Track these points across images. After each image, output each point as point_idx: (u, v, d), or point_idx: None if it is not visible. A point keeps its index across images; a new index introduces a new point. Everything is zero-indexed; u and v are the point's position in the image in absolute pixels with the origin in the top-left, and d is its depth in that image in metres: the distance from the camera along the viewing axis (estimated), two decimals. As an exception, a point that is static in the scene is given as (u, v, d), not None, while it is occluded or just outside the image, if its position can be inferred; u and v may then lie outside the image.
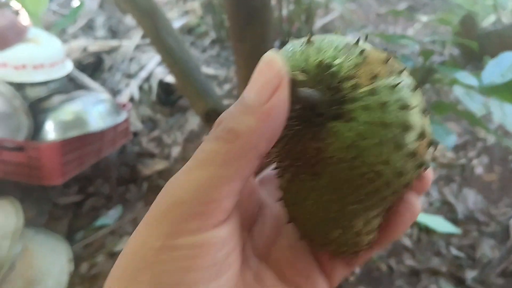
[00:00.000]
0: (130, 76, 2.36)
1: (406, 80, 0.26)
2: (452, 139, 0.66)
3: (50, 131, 1.42)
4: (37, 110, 1.44)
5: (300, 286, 0.31)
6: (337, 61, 0.26)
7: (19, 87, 1.41)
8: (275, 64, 0.24)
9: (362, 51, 0.26)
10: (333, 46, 0.27)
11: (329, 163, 0.26)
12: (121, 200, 1.72)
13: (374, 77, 0.26)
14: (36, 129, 1.43)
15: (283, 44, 0.30)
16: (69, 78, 1.63)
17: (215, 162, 0.24)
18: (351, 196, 0.26)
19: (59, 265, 1.35)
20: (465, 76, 0.68)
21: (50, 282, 1.30)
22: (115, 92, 2.20)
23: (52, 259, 1.35)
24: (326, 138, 0.26)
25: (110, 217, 1.63)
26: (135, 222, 1.61)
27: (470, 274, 1.35)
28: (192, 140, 2.15)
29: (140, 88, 2.31)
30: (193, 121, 2.26)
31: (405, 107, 0.25)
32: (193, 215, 0.24)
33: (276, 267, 0.31)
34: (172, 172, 1.69)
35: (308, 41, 0.28)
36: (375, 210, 0.28)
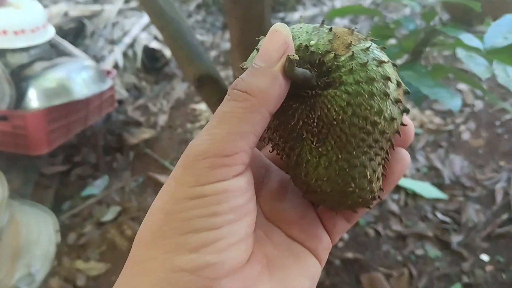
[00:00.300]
0: (113, 42, 2.29)
1: (373, 43, 0.31)
2: (457, 102, 0.65)
3: (34, 99, 1.38)
4: (19, 78, 1.40)
5: (305, 242, 0.34)
6: (312, 42, 0.31)
7: (0, 53, 1.36)
8: (282, 32, 0.29)
9: (330, 29, 0.31)
10: (304, 31, 0.32)
11: (331, 127, 0.29)
12: (107, 169, 1.70)
13: (349, 46, 0.30)
14: (19, 97, 1.38)
15: None
16: (51, 44, 1.58)
17: (232, 120, 0.27)
18: (357, 150, 0.30)
19: (46, 235, 1.34)
20: (470, 38, 0.67)
21: (38, 252, 1.29)
22: (98, 59, 2.14)
23: (39, 229, 1.34)
24: (323, 105, 0.29)
25: (97, 186, 1.61)
26: (122, 192, 1.60)
27: (455, 238, 1.38)
28: (179, 108, 2.12)
29: (124, 54, 2.25)
30: (180, 89, 2.22)
31: (381, 62, 0.30)
32: (216, 166, 0.27)
33: (283, 225, 0.34)
34: (159, 141, 1.67)
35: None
36: (377, 158, 0.32)
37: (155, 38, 2.36)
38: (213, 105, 1.02)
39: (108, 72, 1.72)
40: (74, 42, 1.98)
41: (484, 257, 1.32)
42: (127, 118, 1.98)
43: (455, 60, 2.17)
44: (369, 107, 0.29)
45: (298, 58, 0.28)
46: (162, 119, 2.01)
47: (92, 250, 1.39)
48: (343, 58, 0.29)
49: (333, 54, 0.30)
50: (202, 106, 2.08)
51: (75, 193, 1.59)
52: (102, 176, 1.65)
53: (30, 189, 1.50)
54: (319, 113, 0.29)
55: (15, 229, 1.25)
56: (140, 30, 2.36)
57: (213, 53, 2.44)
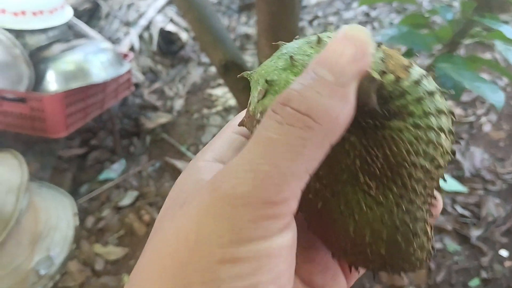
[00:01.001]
0: (128, 24, 2.27)
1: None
2: (501, 97, 0.62)
3: (52, 82, 1.37)
4: (37, 60, 1.38)
5: (323, 286, 0.28)
6: None
7: (18, 34, 1.34)
8: (361, 39, 0.21)
9: (378, 44, 0.24)
10: None
11: (398, 169, 0.23)
12: (124, 154, 1.70)
13: (407, 68, 0.23)
14: (37, 80, 1.37)
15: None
16: (68, 26, 1.56)
17: (287, 154, 0.20)
18: (419, 199, 0.24)
19: (65, 219, 1.34)
20: (509, 30, 0.65)
21: (57, 236, 1.29)
22: (113, 41, 2.12)
23: (58, 213, 1.34)
24: (391, 141, 0.22)
25: (114, 170, 1.61)
26: (139, 176, 1.59)
27: (475, 232, 1.36)
28: (195, 93, 2.10)
29: (140, 37, 2.23)
30: (196, 73, 2.20)
31: (442, 92, 0.24)
32: (259, 218, 0.19)
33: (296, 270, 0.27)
34: (176, 125, 1.66)
35: (319, 42, 0.25)
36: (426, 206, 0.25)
37: (171, 20, 2.33)
38: (238, 93, 1.00)
39: (125, 55, 1.70)
40: (88, 24, 1.96)
41: (503, 253, 1.31)
42: (144, 102, 1.97)
43: (475, 50, 2.12)
44: (439, 147, 0.23)
45: (381, 79, 0.22)
46: (179, 104, 2.00)
47: (111, 235, 1.40)
48: (407, 83, 0.23)
49: (394, 77, 0.23)
50: (218, 92, 2.06)
51: (93, 177, 1.59)
52: (119, 160, 1.65)
53: (48, 172, 1.50)
54: (386, 151, 0.23)
55: (34, 212, 1.25)
56: (155, 12, 2.33)
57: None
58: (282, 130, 0.20)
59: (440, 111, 0.23)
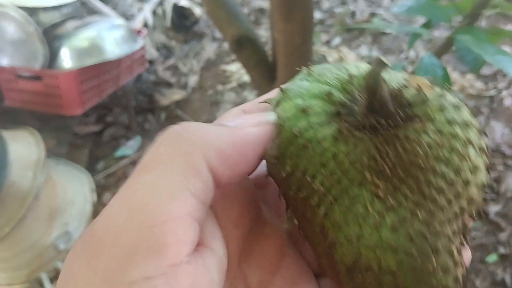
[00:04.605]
0: (142, 0, 2.25)
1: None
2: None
3: (66, 59, 1.37)
4: (51, 37, 1.38)
5: None
6: (386, 76, 0.22)
7: (31, 12, 1.34)
8: (268, 117, 0.22)
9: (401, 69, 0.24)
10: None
11: (412, 170, 0.20)
12: (140, 130, 1.71)
13: (431, 87, 0.22)
14: (52, 57, 1.38)
15: None
16: (82, 3, 1.55)
17: (157, 165, 0.19)
18: (439, 213, 0.20)
19: (82, 194, 1.36)
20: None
21: (74, 211, 1.31)
22: (127, 17, 2.10)
23: (75, 188, 1.36)
24: (406, 139, 0.20)
25: (129, 147, 1.62)
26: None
27: (493, 208, 1.34)
28: (209, 69, 2.08)
29: (154, 12, 2.21)
30: (210, 49, 2.18)
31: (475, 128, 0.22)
32: (140, 252, 0.17)
33: None
34: (190, 102, 1.66)
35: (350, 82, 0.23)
36: (457, 236, 0.22)
37: (184, -5, 2.31)
38: (251, 68, 0.98)
39: (139, 32, 1.69)
40: (102, 0, 1.94)
41: (522, 228, 1.29)
42: (158, 78, 1.97)
43: (496, 21, 2.05)
44: (466, 158, 0.20)
45: (389, 63, 0.20)
46: (193, 80, 1.99)
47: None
48: (430, 95, 0.21)
49: (416, 88, 0.22)
50: (232, 67, 2.04)
51: (109, 153, 1.60)
52: (134, 137, 1.66)
53: (65, 149, 1.52)
54: (398, 149, 0.20)
55: (52, 188, 1.27)
56: (169, -13, 2.30)
57: (243, 12, 2.38)
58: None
59: (468, 124, 0.21)
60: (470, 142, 0.21)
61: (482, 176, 0.21)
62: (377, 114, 0.21)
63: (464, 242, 0.22)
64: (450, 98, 0.22)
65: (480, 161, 0.21)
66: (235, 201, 0.24)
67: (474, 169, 0.21)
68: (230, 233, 0.23)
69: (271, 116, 0.23)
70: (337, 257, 0.21)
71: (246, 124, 0.22)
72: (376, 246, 0.20)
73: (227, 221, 0.23)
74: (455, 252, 0.21)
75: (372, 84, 0.20)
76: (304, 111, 0.22)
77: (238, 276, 0.24)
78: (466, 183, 0.21)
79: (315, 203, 0.21)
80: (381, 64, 0.20)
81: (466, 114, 0.21)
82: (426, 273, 0.20)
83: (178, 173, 0.18)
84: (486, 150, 0.22)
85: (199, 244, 0.19)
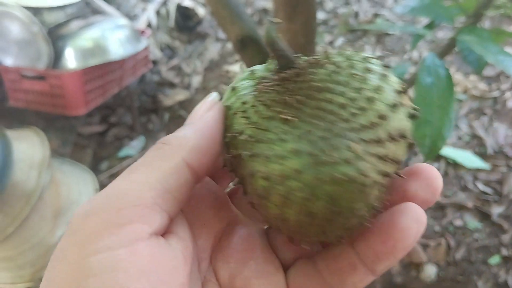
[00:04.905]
0: (145, 0, 2.25)
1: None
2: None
3: (70, 59, 1.38)
4: (55, 37, 1.39)
5: None
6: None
7: (36, 12, 1.35)
8: (210, 98, 0.27)
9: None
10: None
11: (313, 93, 0.24)
12: (143, 130, 1.71)
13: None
14: (56, 57, 1.38)
15: None
16: (86, 2, 1.56)
17: (139, 167, 0.23)
18: (341, 123, 0.22)
19: (86, 194, 1.37)
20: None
21: (79, 211, 1.31)
22: (130, 18, 2.11)
23: (79, 188, 1.36)
24: (307, 74, 0.25)
25: (133, 147, 1.62)
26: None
27: (496, 210, 1.34)
28: (212, 69, 2.09)
29: (157, 13, 2.21)
30: (213, 49, 2.18)
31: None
32: (107, 227, 0.21)
33: None
34: (194, 103, 1.66)
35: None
36: (375, 149, 0.23)
37: (188, -4, 2.31)
38: (255, 69, 0.98)
39: (142, 32, 1.70)
40: (106, 0, 1.95)
41: (525, 230, 1.28)
42: (161, 79, 1.97)
43: (500, 22, 2.05)
44: (365, 80, 0.23)
45: (280, 21, 0.25)
46: (196, 81, 1.99)
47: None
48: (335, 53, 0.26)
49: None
50: (236, 68, 2.04)
51: (112, 153, 1.61)
52: (138, 137, 1.66)
53: (69, 149, 1.52)
54: (300, 83, 0.24)
55: (56, 188, 1.27)
56: (172, -12, 2.31)
57: (247, 12, 2.38)
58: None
59: (369, 69, 0.24)
60: (369, 70, 0.24)
61: (388, 95, 0.23)
62: (286, 70, 0.25)
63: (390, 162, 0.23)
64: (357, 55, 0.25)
65: (383, 84, 0.24)
66: (201, 202, 0.27)
67: (376, 89, 0.23)
68: (198, 230, 0.26)
69: (213, 96, 0.27)
70: (257, 186, 0.23)
71: (199, 114, 0.26)
72: (283, 157, 0.22)
73: (194, 220, 0.27)
74: (358, 149, 0.22)
75: (269, 38, 0.25)
76: (233, 89, 0.27)
77: (210, 270, 0.27)
78: (369, 99, 0.23)
79: (245, 156, 0.24)
80: (272, 23, 0.25)
81: (376, 62, 0.25)
82: (327, 165, 0.22)
83: (157, 173, 0.23)
84: (403, 90, 0.25)
85: (168, 232, 0.23)
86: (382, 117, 0.23)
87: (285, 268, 0.28)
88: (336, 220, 0.22)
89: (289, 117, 0.23)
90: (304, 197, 0.22)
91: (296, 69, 0.25)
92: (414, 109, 0.25)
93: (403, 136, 0.23)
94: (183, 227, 0.25)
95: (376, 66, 0.25)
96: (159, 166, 0.23)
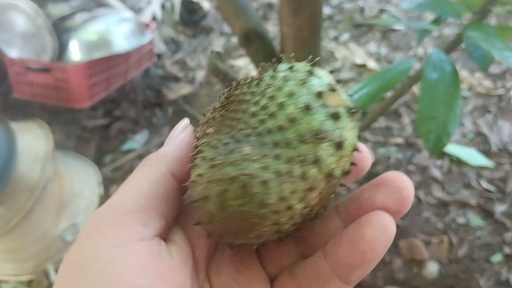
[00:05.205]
0: (150, -7, 2.25)
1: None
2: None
3: (75, 51, 1.38)
4: (60, 30, 1.39)
5: None
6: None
7: (41, 4, 1.35)
8: (183, 123, 0.32)
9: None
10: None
11: (232, 105, 0.28)
12: (147, 124, 1.71)
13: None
14: (60, 49, 1.38)
15: None
16: (90, -5, 1.56)
17: (130, 181, 0.28)
18: (248, 129, 0.26)
19: (89, 187, 1.37)
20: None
21: (82, 204, 1.32)
22: (135, 11, 2.11)
23: (83, 181, 1.37)
24: (233, 97, 0.29)
25: (137, 141, 1.63)
26: (161, 147, 1.61)
27: (499, 208, 1.33)
28: (217, 64, 2.08)
29: (162, 6, 2.21)
30: (218, 43, 2.18)
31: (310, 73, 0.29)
32: (111, 230, 0.24)
33: None
34: (198, 97, 1.66)
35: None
36: (294, 164, 0.25)
37: (193, -10, 2.31)
38: (259, 62, 0.98)
39: (147, 25, 1.69)
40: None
41: (528, 228, 1.28)
42: (166, 73, 1.97)
43: (506, 19, 2.03)
44: (280, 90, 0.26)
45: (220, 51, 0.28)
46: (200, 75, 1.99)
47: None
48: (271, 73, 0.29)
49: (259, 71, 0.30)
50: (240, 62, 2.04)
51: (116, 147, 1.61)
52: (142, 131, 1.67)
53: (73, 142, 1.53)
54: (231, 97, 0.29)
55: (60, 180, 1.28)
56: (178, -18, 2.30)
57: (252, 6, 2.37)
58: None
59: (287, 78, 0.27)
60: (287, 79, 0.27)
61: (303, 99, 0.26)
62: (229, 90, 0.30)
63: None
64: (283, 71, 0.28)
65: (299, 88, 0.26)
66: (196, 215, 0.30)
67: (289, 94, 0.26)
68: (194, 241, 0.29)
69: (185, 121, 0.32)
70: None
71: (175, 135, 0.31)
72: (198, 165, 0.26)
73: (191, 232, 0.30)
74: (248, 151, 0.25)
75: (211, 65, 0.31)
76: (204, 114, 0.32)
77: (207, 281, 0.29)
78: (280, 105, 0.26)
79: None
80: (214, 53, 0.31)
81: (301, 68, 0.28)
82: (216, 167, 0.25)
83: (146, 183, 0.27)
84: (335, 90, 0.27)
85: (168, 240, 0.27)
86: (292, 120, 0.25)
87: (272, 280, 0.30)
88: (234, 220, 0.25)
89: (208, 130, 0.28)
90: (201, 197, 0.25)
91: (236, 88, 0.29)
92: (350, 107, 0.27)
93: (318, 135, 0.25)
94: (182, 237, 0.29)
95: (299, 73, 0.27)
96: (147, 177, 0.28)
